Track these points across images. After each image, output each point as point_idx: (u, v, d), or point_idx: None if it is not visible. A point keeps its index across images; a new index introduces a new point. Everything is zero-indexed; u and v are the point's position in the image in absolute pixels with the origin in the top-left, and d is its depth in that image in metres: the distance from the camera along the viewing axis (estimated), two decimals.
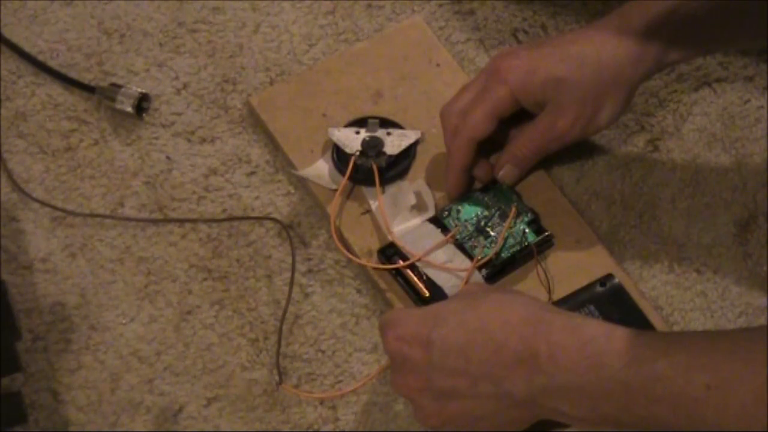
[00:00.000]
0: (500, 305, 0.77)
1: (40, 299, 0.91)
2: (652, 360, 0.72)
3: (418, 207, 0.92)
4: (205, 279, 0.92)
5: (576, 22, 1.03)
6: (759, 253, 0.93)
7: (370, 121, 0.95)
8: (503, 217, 0.91)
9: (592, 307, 0.87)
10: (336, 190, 0.93)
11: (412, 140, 0.94)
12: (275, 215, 0.95)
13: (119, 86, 0.98)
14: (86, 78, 1.00)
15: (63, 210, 0.94)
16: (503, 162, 0.92)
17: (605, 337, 0.74)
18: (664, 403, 0.71)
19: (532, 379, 0.74)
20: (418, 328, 0.77)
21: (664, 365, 0.71)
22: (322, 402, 0.88)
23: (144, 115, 0.98)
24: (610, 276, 0.89)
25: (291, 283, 0.91)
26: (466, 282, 0.88)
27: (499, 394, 0.76)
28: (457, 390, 0.76)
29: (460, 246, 0.90)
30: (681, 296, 0.92)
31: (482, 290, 0.81)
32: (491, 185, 0.93)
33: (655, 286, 0.92)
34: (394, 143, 0.94)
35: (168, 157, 0.97)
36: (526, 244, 0.90)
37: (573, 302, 0.87)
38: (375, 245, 0.91)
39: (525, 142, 0.90)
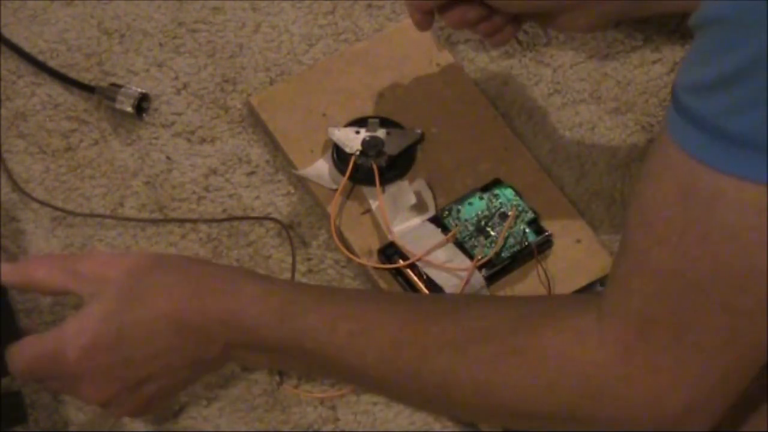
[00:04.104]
0: (162, 289, 0.77)
1: (40, 299, 0.91)
2: (303, 314, 0.75)
3: (418, 207, 0.92)
4: None
5: None
6: None
7: (370, 120, 0.95)
8: (503, 217, 0.91)
9: None
10: (336, 189, 0.93)
11: (412, 140, 0.94)
12: (275, 215, 0.95)
13: (119, 86, 0.98)
14: (86, 78, 1.00)
15: (63, 210, 0.94)
16: None
17: (262, 296, 0.76)
18: (315, 354, 0.75)
19: (219, 340, 0.76)
20: (90, 339, 0.76)
21: (313, 318, 0.75)
22: (322, 402, 0.88)
23: (144, 115, 0.98)
24: None
25: None
26: (467, 283, 0.88)
27: (193, 362, 0.77)
28: (152, 375, 0.77)
29: (461, 246, 0.90)
30: None
31: (132, 282, 0.78)
32: (491, 185, 0.93)
33: None
34: (394, 143, 0.94)
35: (168, 157, 0.97)
36: (526, 244, 0.90)
37: None
38: (375, 245, 0.91)
39: None
